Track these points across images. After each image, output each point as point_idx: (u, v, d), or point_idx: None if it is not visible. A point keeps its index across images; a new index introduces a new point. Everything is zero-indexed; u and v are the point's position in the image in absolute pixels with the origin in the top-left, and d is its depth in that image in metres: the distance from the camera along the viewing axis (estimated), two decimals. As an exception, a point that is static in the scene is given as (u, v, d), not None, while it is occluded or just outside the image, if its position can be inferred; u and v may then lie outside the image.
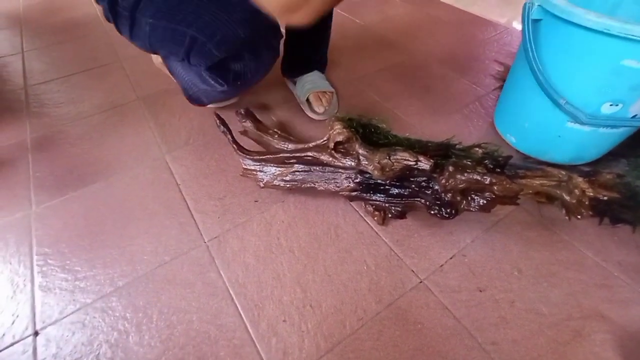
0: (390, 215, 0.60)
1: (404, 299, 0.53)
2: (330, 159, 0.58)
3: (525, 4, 0.62)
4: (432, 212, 0.53)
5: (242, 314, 0.52)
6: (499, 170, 0.51)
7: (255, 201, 0.67)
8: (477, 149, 0.62)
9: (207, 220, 0.64)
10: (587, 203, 0.57)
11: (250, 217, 0.64)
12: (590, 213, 0.58)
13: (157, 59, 0.95)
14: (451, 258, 0.58)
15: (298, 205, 0.66)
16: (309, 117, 0.85)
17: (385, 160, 0.51)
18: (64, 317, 0.51)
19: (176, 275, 0.56)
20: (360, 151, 0.54)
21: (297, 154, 0.61)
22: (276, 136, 0.69)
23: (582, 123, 0.61)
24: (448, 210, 0.51)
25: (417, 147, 0.59)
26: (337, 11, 0.83)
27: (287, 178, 0.63)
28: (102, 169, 0.73)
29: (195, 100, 0.84)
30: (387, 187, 0.57)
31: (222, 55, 0.61)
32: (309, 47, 0.84)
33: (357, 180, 0.58)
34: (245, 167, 0.66)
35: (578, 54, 0.57)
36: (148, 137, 0.81)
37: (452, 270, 0.57)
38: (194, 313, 0.52)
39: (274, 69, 0.92)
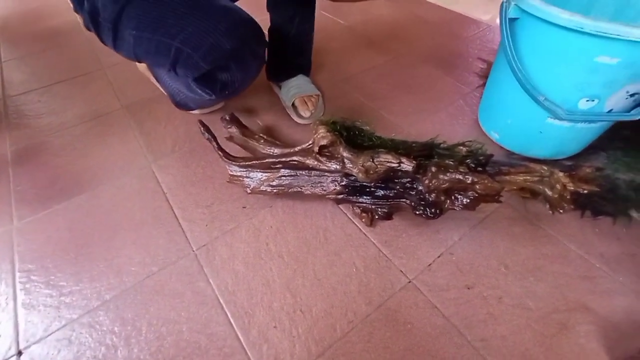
0: (377, 217, 0.60)
1: (394, 299, 0.54)
2: (316, 162, 0.58)
3: (502, 3, 0.63)
4: (418, 212, 0.54)
5: (232, 322, 0.52)
6: (480, 169, 0.51)
7: (243, 207, 0.67)
8: (461, 147, 0.62)
9: (195, 229, 0.63)
10: (568, 197, 0.58)
11: (239, 224, 0.64)
12: (572, 207, 0.59)
13: (141, 65, 0.94)
14: (439, 257, 0.59)
15: (286, 209, 0.66)
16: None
17: (369, 163, 0.51)
18: (49, 335, 0.50)
19: (165, 285, 0.56)
20: (345, 154, 0.55)
21: (283, 159, 0.61)
22: (262, 141, 0.69)
23: (561, 119, 0.62)
24: (433, 210, 0.52)
25: (402, 148, 0.59)
26: (320, 13, 0.83)
27: (274, 183, 0.62)
28: (87, 180, 0.72)
29: (183, 106, 0.84)
30: (372, 189, 0.57)
31: (208, 67, 0.61)
32: (293, 52, 0.84)
33: (343, 183, 0.58)
34: (231, 173, 0.66)
35: (554, 52, 0.58)
36: (133, 146, 0.80)
37: (440, 269, 0.57)
38: (183, 323, 0.51)
39: (260, 74, 0.92)
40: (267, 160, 0.62)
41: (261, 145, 0.68)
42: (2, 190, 0.70)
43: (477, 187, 0.49)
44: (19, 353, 0.48)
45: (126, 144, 0.80)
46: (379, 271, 0.57)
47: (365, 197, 0.58)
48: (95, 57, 1.09)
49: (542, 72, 0.61)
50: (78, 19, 0.65)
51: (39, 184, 0.71)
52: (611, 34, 0.49)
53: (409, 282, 0.56)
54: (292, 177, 0.61)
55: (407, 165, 0.49)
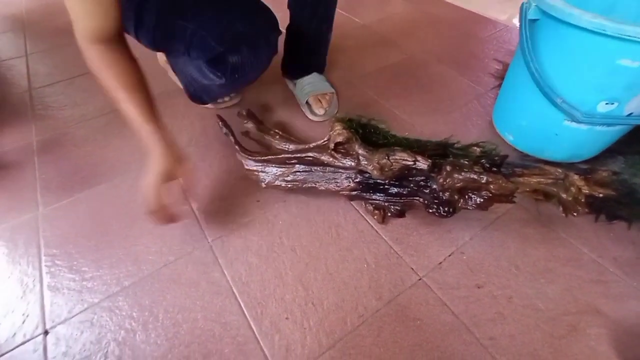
0: (389, 214, 0.61)
1: (404, 296, 0.55)
2: (331, 159, 0.59)
3: (522, 4, 0.63)
4: (431, 210, 0.54)
5: (245, 312, 0.53)
6: (495, 169, 0.51)
7: (257, 201, 0.68)
8: (475, 148, 0.63)
9: (210, 221, 0.65)
10: (583, 200, 0.58)
11: (253, 217, 0.65)
12: (587, 210, 0.59)
13: (161, 57, 0.96)
14: (450, 255, 0.59)
15: (299, 204, 0.67)
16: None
17: (384, 161, 0.52)
18: (73, 317, 0.53)
19: (181, 274, 0.58)
20: (360, 151, 0.55)
21: (298, 155, 0.62)
22: (277, 137, 0.70)
23: (578, 122, 0.61)
24: (446, 209, 0.52)
25: (416, 146, 0.60)
26: (337, 11, 0.83)
27: (289, 178, 0.64)
28: (107, 171, 0.74)
29: (197, 98, 0.86)
30: (386, 186, 0.58)
31: (222, 48, 0.63)
32: (308, 51, 0.85)
33: (357, 180, 0.59)
34: (247, 167, 0.67)
35: (574, 54, 0.57)
36: (151, 139, 0.82)
37: (451, 268, 0.58)
38: (198, 311, 0.53)
39: (275, 68, 0.93)
40: (282, 155, 0.64)
41: (276, 141, 0.69)
42: (28, 177, 0.73)
43: (492, 187, 0.49)
44: (46, 332, 0.51)
45: (144, 137, 0.83)
46: (389, 267, 0.58)
47: (378, 194, 0.59)
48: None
49: (560, 74, 0.61)
50: None
51: (63, 173, 0.74)
52: (634, 37, 0.49)
53: (420, 279, 0.57)
54: (306, 173, 0.62)
55: (423, 164, 0.49)
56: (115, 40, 0.54)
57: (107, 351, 0.49)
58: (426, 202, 0.55)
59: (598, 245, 0.60)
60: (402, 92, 0.94)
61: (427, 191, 0.55)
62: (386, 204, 0.59)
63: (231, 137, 0.67)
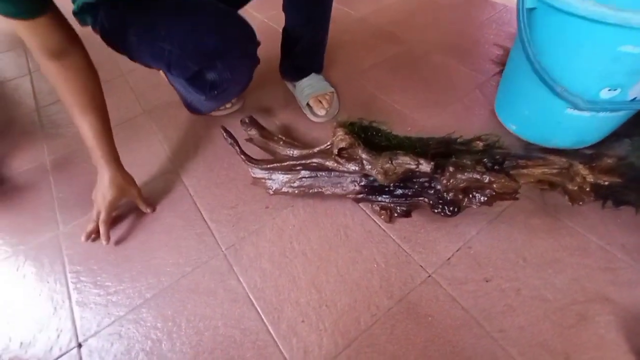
0: (396, 214, 0.62)
1: (414, 293, 0.56)
2: (335, 164, 0.60)
3: (519, -7, 0.62)
4: (436, 210, 0.55)
5: (263, 317, 0.56)
6: (497, 167, 0.52)
7: (266, 207, 0.70)
8: (478, 141, 0.63)
9: (222, 230, 0.67)
10: (588, 189, 0.58)
11: (263, 224, 0.67)
12: (592, 198, 0.59)
13: None
14: (457, 251, 0.61)
15: (307, 209, 0.69)
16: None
17: (388, 165, 0.53)
18: (102, 330, 0.56)
19: (199, 284, 0.60)
20: (364, 156, 0.56)
21: (303, 161, 0.63)
22: (281, 142, 0.71)
23: (581, 109, 0.61)
24: (451, 209, 0.53)
25: (418, 146, 0.61)
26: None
27: (295, 184, 0.65)
28: (119, 186, 0.77)
29: (194, 109, 0.87)
30: (391, 188, 0.59)
31: (196, 67, 0.64)
32: (306, 54, 0.84)
33: (362, 184, 0.60)
34: (254, 176, 0.69)
35: (574, 42, 0.57)
36: (158, 151, 0.84)
37: (459, 263, 0.59)
38: (218, 319, 0.56)
39: (274, 71, 0.94)
40: (288, 162, 0.65)
41: (281, 147, 0.70)
42: (46, 197, 0.76)
43: (494, 185, 0.50)
44: (79, 345, 0.54)
45: (151, 148, 0.85)
46: (399, 266, 0.60)
47: (384, 196, 0.60)
48: (115, 63, 1.12)
49: (561, 63, 0.60)
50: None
51: (77, 191, 0.77)
52: (636, 25, 0.48)
53: (429, 276, 0.58)
54: (312, 178, 0.64)
55: (426, 167, 0.50)
56: (71, 52, 0.56)
57: (136, 361, 0.53)
58: (431, 202, 0.56)
59: (605, 232, 0.61)
60: (402, 85, 0.94)
61: (432, 192, 0.55)
62: (392, 204, 0.60)
63: (236, 148, 0.68)
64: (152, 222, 0.70)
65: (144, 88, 1.02)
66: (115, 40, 0.66)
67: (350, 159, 0.59)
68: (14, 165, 0.84)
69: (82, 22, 0.65)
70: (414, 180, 0.57)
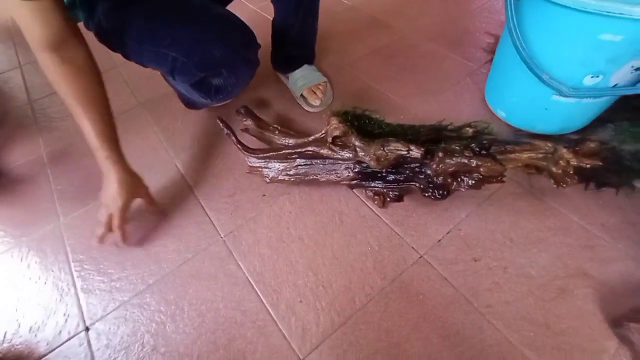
0: (389, 199, 0.64)
1: (407, 273, 0.59)
2: (330, 152, 0.62)
3: (507, -18, 0.63)
4: (427, 194, 0.58)
5: (262, 299, 0.58)
6: (484, 152, 0.54)
7: (263, 195, 0.72)
8: (467, 128, 0.66)
9: (221, 217, 0.69)
10: (571, 172, 0.61)
11: (260, 211, 0.69)
12: (576, 181, 0.62)
13: None
14: (448, 233, 0.64)
15: (303, 196, 0.71)
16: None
17: (380, 151, 0.55)
18: (108, 314, 0.58)
19: (199, 269, 0.62)
20: (357, 143, 0.58)
21: (299, 149, 0.65)
22: (277, 132, 0.72)
23: (566, 96, 0.64)
24: (440, 192, 0.56)
25: (410, 133, 0.63)
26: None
27: (291, 172, 0.67)
28: (117, 177, 0.78)
29: (191, 105, 0.88)
30: (384, 174, 0.61)
31: (202, 74, 0.64)
32: (297, 45, 0.85)
33: (356, 170, 0.62)
34: (250, 164, 0.70)
35: (558, 30, 0.59)
36: (155, 142, 0.85)
37: (449, 244, 0.62)
38: (219, 302, 0.58)
39: (267, 63, 0.94)
40: (283, 151, 0.67)
41: (276, 136, 0.72)
42: (45, 189, 0.77)
43: (481, 169, 0.52)
44: (87, 329, 0.57)
45: (147, 140, 0.86)
46: (392, 249, 0.62)
47: (377, 181, 0.62)
48: (108, 56, 1.10)
49: (546, 51, 0.62)
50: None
51: (75, 183, 0.78)
52: (614, 13, 0.50)
53: (420, 257, 0.61)
54: (307, 166, 0.66)
55: (416, 152, 0.52)
56: (72, 45, 0.53)
57: (143, 342, 0.55)
58: (422, 186, 0.59)
59: (587, 212, 0.64)
60: (394, 74, 0.95)
61: (422, 176, 0.58)
62: (385, 190, 0.63)
63: (232, 138, 0.69)
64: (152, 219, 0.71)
65: (138, 80, 1.02)
66: (114, 41, 0.65)
67: (344, 146, 0.61)
68: (10, 158, 0.84)
69: (73, 18, 0.65)
70: (405, 165, 0.59)
